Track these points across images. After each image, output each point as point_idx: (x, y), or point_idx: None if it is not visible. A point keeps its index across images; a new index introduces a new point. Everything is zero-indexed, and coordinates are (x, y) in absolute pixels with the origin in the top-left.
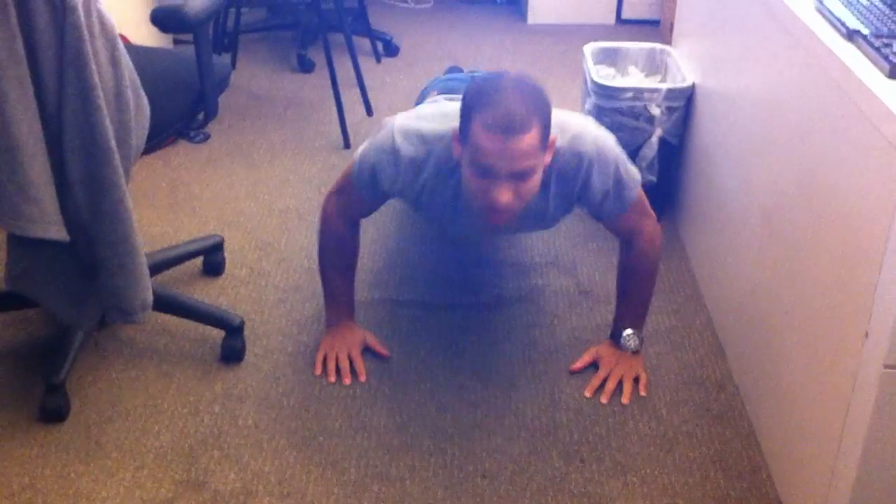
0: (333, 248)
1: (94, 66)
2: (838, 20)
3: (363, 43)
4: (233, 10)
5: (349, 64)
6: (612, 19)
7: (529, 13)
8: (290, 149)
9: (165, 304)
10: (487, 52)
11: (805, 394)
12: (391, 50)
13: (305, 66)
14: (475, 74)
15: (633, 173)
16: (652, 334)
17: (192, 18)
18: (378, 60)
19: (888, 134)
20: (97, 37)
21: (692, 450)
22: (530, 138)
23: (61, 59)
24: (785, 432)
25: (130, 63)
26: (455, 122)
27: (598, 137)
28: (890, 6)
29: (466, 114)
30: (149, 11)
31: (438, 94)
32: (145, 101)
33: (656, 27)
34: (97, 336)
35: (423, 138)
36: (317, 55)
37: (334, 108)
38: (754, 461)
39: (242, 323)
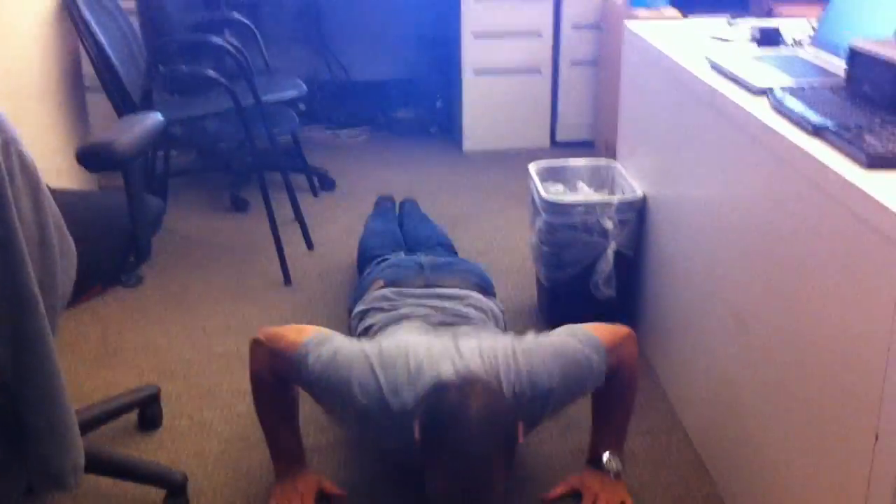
0: (269, 401)
1: (14, 210)
2: (801, 117)
3: (299, 180)
4: (161, 153)
5: (284, 201)
6: (546, 142)
7: (465, 141)
8: (229, 290)
9: (99, 464)
10: (425, 181)
11: None
12: (327, 184)
13: (239, 206)
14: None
15: (588, 352)
16: (628, 456)
17: (121, 155)
18: (315, 195)
19: (879, 225)
20: (17, 178)
21: None
22: (496, 489)
23: None
24: None
25: (55, 205)
26: (414, 388)
27: (548, 363)
28: (849, 101)
29: (428, 456)
30: (73, 154)
31: (386, 284)
32: (72, 245)
33: (591, 148)
34: None
35: (380, 392)
36: (249, 194)
37: (272, 246)
38: None
39: (185, 479)
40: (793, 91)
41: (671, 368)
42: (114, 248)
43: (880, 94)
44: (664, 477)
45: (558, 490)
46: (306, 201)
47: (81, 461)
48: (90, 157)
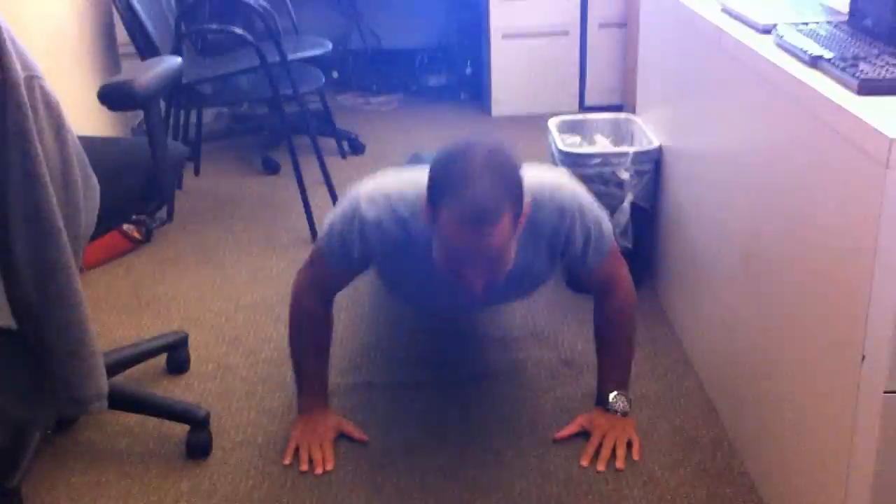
0: (306, 327)
1: (38, 144)
2: (800, 49)
3: (328, 143)
4: (194, 119)
5: (314, 165)
6: (575, 107)
7: (493, 106)
8: (257, 246)
9: (125, 401)
10: None
11: (805, 438)
12: (357, 148)
13: (270, 168)
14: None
15: (608, 223)
16: (640, 399)
17: (141, 93)
18: (343, 157)
19: (867, 149)
20: (41, 114)
21: None
22: (502, 227)
23: (4, 137)
24: (788, 484)
25: (77, 142)
26: (422, 189)
27: (576, 189)
28: (850, 35)
29: (434, 197)
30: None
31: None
32: (94, 180)
33: (620, 112)
34: (54, 439)
35: (388, 198)
36: (281, 157)
37: (301, 206)
38: None
39: (208, 415)
40: (796, 27)
41: (685, 316)
42: (136, 187)
43: (881, 26)
44: (673, 420)
45: (568, 430)
46: (335, 164)
47: (105, 387)
48: (111, 95)
